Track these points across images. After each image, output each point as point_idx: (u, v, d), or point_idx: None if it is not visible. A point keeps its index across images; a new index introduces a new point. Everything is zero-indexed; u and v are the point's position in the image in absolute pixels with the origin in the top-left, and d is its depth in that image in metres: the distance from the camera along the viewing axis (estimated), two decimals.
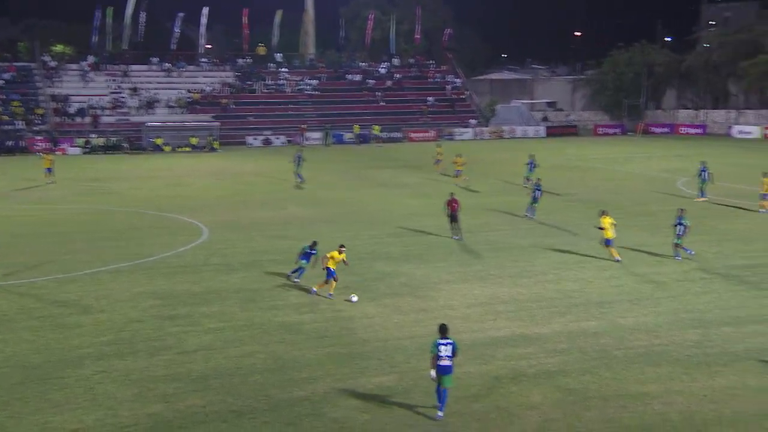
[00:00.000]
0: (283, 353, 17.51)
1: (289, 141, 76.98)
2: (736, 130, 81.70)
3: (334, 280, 21.67)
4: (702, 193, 38.42)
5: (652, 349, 17.52)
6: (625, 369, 16.38)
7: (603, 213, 26.30)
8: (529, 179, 43.78)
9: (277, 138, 77.67)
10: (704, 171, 38.49)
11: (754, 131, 79.68)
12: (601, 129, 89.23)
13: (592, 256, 26.17)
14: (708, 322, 19.35)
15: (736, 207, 35.99)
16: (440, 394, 14.23)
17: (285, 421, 14.14)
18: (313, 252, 23.15)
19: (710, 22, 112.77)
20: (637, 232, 30.42)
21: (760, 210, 34.35)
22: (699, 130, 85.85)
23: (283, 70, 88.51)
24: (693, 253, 25.90)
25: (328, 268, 21.62)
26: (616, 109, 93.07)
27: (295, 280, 23.33)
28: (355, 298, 21.22)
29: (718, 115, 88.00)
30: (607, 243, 25.85)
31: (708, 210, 35.48)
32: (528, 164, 44.52)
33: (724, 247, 27.70)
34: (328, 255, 21.75)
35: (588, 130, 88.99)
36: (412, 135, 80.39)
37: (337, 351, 17.64)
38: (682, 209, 26.74)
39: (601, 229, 25.88)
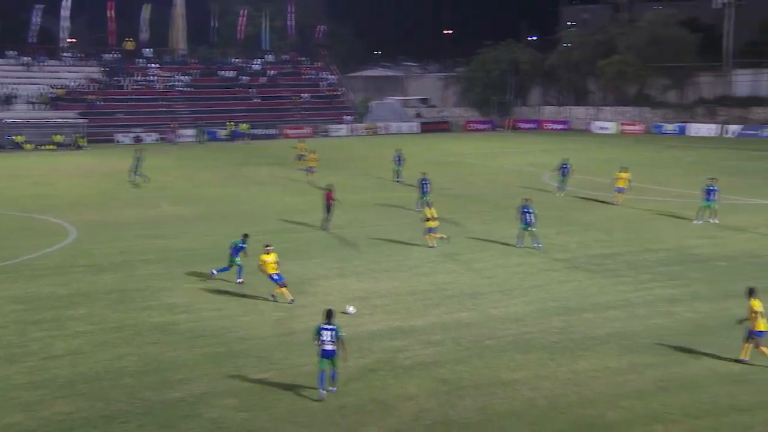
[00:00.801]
0: (157, 355, 17.06)
1: (162, 138, 74.91)
2: (595, 125, 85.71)
3: (280, 286, 20.78)
4: (561, 187, 39.52)
5: (521, 337, 18.16)
6: (496, 357, 16.91)
7: (427, 204, 27.68)
8: (399, 174, 44.49)
9: (149, 135, 75.37)
10: (565, 167, 39.60)
11: (611, 127, 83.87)
12: (472, 125, 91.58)
13: (466, 250, 26.82)
14: (571, 309, 20.17)
15: (597, 200, 37.68)
16: (324, 377, 14.68)
17: (160, 424, 13.78)
18: (243, 246, 22.50)
19: (570, 23, 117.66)
20: (507, 224, 31.41)
21: (616, 202, 36.06)
22: (562, 126, 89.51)
23: (153, 65, 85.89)
24: (540, 246, 26.88)
25: (270, 276, 20.66)
26: (486, 106, 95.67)
27: (238, 281, 22.49)
28: (352, 310, 19.76)
29: (579, 112, 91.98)
30: (430, 231, 27.20)
31: (571, 203, 37.04)
32: (395, 159, 45.17)
33: (585, 237, 28.92)
34: (260, 261, 20.75)
35: (460, 126, 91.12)
36: (288, 131, 79.93)
37: (215, 350, 17.35)
38: (527, 198, 27.91)
39: (429, 219, 27.17)
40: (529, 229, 26.95)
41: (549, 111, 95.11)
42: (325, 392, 14.66)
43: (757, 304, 16.17)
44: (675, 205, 35.48)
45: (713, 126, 76.35)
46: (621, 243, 27.97)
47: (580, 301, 20.79)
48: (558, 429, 13.62)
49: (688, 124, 78.29)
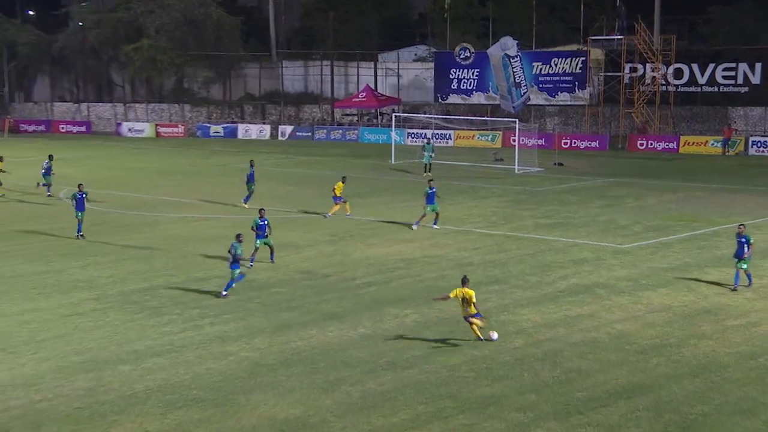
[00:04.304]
0: None
1: None
2: (125, 127, 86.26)
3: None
4: (248, 198, 40.61)
5: (32, 408, 17.52)
6: None
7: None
8: None
9: None
10: (252, 173, 40.66)
11: (146, 129, 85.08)
12: None
13: None
14: (102, 362, 20.04)
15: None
16: None
17: None
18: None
19: None
20: (11, 258, 30.33)
21: (328, 215, 38.02)
22: (83, 128, 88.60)
23: None
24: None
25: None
26: None
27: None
28: (495, 336, 21.38)
29: (104, 110, 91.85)
30: None
31: (99, 226, 36.56)
32: None
33: (120, 268, 29.07)
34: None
35: None
36: None
37: None
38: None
39: None
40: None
41: (63, 109, 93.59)
42: None
43: (457, 292, 20.89)
44: (226, 223, 37.12)
45: (266, 127, 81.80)
46: (164, 273, 28.59)
47: (114, 351, 20.78)
48: None
49: (238, 125, 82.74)
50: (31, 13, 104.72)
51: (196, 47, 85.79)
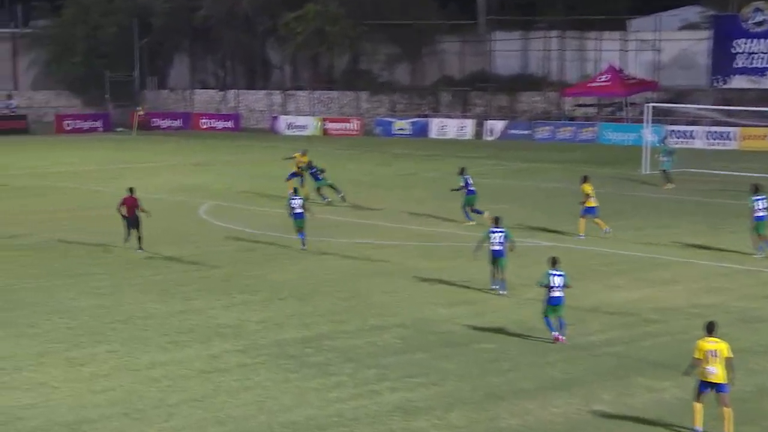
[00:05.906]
0: None
1: None
2: (283, 122, 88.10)
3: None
4: (479, 211, 41.76)
5: None
6: None
7: None
8: None
9: None
10: (469, 183, 42.00)
11: (310, 124, 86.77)
12: (69, 122, 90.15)
13: (62, 344, 25.91)
14: None
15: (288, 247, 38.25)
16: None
17: None
18: None
19: None
20: (130, 295, 31.13)
21: (605, 230, 39.59)
22: (230, 123, 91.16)
23: None
24: None
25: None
26: (94, 88, 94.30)
27: None
28: None
29: (256, 99, 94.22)
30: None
31: (245, 252, 37.15)
32: None
33: (274, 310, 29.41)
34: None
35: (47, 124, 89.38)
36: None
37: None
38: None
39: None
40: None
41: (206, 98, 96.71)
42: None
43: (703, 345, 19.15)
44: (410, 250, 37.52)
45: (468, 122, 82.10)
46: (331, 318, 28.70)
47: (264, 421, 20.83)
48: None
49: (430, 120, 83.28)
50: None
51: (376, 15, 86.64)
